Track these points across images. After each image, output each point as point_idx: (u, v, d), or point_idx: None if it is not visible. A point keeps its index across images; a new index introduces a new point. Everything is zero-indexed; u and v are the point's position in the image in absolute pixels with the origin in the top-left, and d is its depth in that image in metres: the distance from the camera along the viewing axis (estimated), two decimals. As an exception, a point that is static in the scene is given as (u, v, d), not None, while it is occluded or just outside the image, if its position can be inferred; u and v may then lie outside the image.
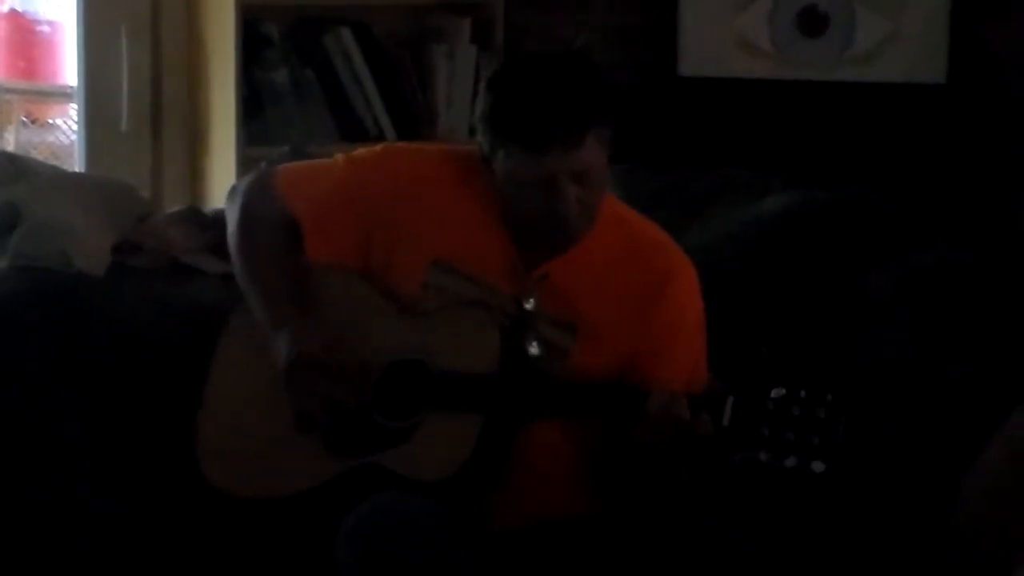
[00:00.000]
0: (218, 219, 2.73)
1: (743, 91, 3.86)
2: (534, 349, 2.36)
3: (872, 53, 3.81)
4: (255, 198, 2.49)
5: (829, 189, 3.12)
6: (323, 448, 2.35)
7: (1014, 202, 3.68)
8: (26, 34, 3.65)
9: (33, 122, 3.68)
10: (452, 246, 2.41)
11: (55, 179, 3.01)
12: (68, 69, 3.60)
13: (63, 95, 3.63)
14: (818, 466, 2.14)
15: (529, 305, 2.37)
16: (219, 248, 2.69)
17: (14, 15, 3.83)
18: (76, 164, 3.52)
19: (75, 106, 3.55)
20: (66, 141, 3.64)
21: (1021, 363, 2.63)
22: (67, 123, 3.64)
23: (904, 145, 3.75)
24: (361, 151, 2.52)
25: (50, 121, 3.70)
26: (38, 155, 3.47)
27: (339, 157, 2.51)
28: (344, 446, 2.34)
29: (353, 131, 3.69)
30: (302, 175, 2.51)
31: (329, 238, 2.44)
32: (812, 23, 3.84)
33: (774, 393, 2.16)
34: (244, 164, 3.44)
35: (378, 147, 2.53)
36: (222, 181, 3.48)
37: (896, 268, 2.88)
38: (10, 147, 3.82)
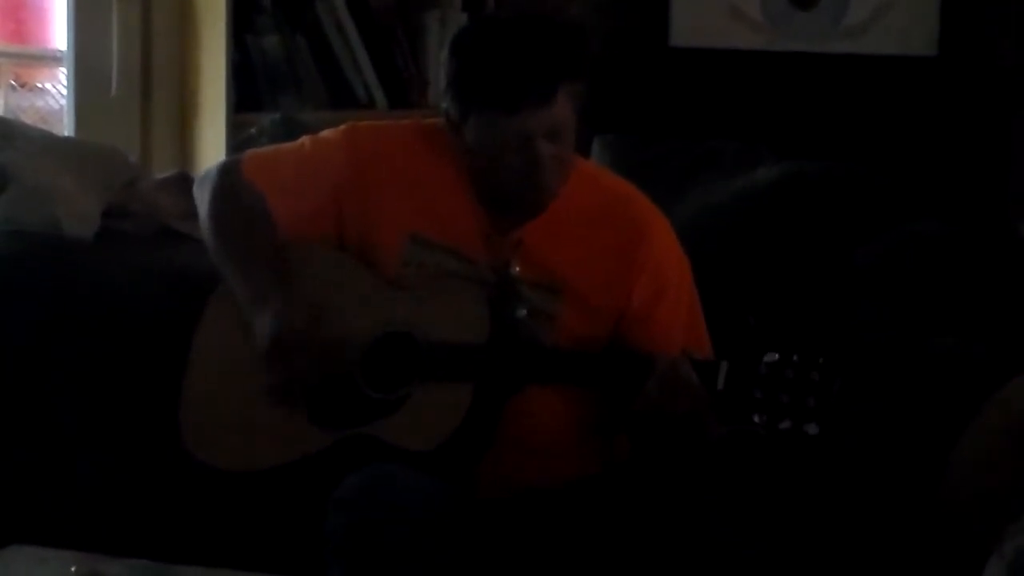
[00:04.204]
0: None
1: (734, 62, 3.85)
2: (522, 315, 2.36)
3: (864, 25, 3.80)
4: (224, 183, 2.48)
5: (819, 161, 3.12)
6: (309, 420, 2.34)
7: (1002, 175, 3.68)
8: (15, -3, 3.63)
9: (22, 86, 3.66)
10: (427, 220, 2.40)
11: (44, 143, 3.00)
12: (58, 33, 3.58)
13: (52, 59, 3.61)
14: (812, 428, 2.13)
15: (511, 271, 2.37)
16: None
17: (3, -22, 3.80)
18: (65, 128, 3.49)
19: (64, 70, 3.53)
20: (55, 105, 3.62)
21: (1005, 335, 2.64)
22: (56, 87, 3.62)
23: (894, 118, 3.75)
24: (326, 132, 2.52)
25: (39, 85, 3.67)
26: (27, 119, 3.44)
27: (304, 139, 2.52)
28: (332, 418, 2.33)
29: (344, 98, 3.67)
30: (268, 159, 2.52)
31: (299, 216, 2.43)
32: (804, -5, 3.84)
33: (767, 357, 2.16)
34: (234, 130, 3.43)
35: (342, 127, 2.52)
36: (212, 147, 3.46)
37: (885, 241, 2.89)
38: (-1, 111, 3.81)
